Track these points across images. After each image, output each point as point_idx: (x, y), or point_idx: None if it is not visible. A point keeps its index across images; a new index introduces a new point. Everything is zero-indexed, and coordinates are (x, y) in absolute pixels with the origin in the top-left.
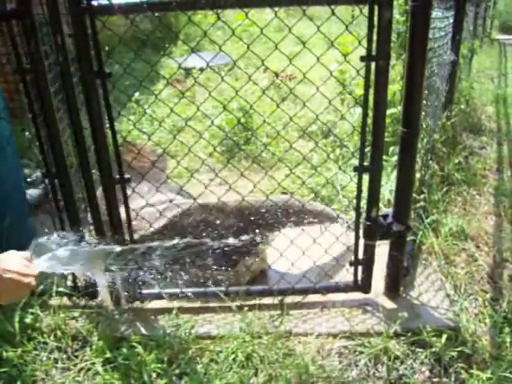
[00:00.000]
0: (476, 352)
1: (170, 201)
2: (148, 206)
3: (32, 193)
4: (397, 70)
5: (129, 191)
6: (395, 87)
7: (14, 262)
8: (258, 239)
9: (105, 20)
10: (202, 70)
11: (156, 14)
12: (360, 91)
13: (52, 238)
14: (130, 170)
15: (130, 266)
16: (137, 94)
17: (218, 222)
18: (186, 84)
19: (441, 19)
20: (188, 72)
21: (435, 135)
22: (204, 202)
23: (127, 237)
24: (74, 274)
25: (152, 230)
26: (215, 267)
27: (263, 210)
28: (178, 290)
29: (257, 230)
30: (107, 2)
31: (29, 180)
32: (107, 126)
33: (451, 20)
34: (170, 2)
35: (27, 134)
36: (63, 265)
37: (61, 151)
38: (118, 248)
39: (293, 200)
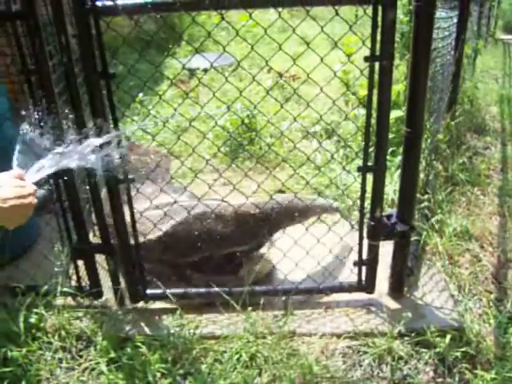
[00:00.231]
0: (480, 352)
1: (175, 201)
2: (152, 208)
3: (37, 193)
4: (400, 70)
5: (133, 192)
6: (399, 87)
7: (9, 187)
8: (261, 242)
9: (109, 21)
10: (205, 70)
11: (160, 15)
12: (363, 92)
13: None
14: (134, 171)
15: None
16: (140, 94)
17: (219, 229)
18: (189, 85)
19: (445, 19)
20: (192, 72)
21: (439, 135)
22: (203, 211)
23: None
24: (78, 274)
25: (159, 233)
26: (218, 274)
27: (264, 212)
28: (181, 291)
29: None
30: (111, 3)
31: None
32: (111, 126)
33: (455, 20)
34: (174, 3)
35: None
36: (53, 165)
37: None
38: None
39: (293, 198)
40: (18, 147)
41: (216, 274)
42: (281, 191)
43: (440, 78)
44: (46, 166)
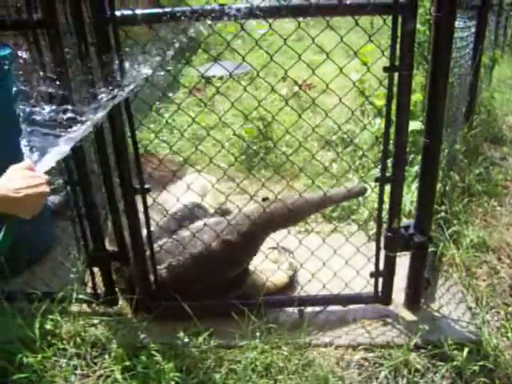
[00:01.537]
0: (498, 367)
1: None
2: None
3: (53, 199)
4: (417, 79)
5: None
6: (416, 97)
7: (21, 178)
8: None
9: (128, 30)
10: (221, 78)
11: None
12: (380, 102)
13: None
14: (150, 180)
15: None
16: (157, 102)
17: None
18: (205, 93)
19: (463, 29)
20: (208, 81)
21: (456, 146)
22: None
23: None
24: (93, 281)
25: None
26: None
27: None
28: (197, 303)
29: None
30: (130, 12)
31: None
32: (128, 134)
33: (473, 30)
34: (194, 12)
35: None
36: (62, 153)
37: (83, 158)
38: None
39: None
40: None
41: (218, 294)
42: (264, 199)
43: (457, 88)
44: (55, 153)
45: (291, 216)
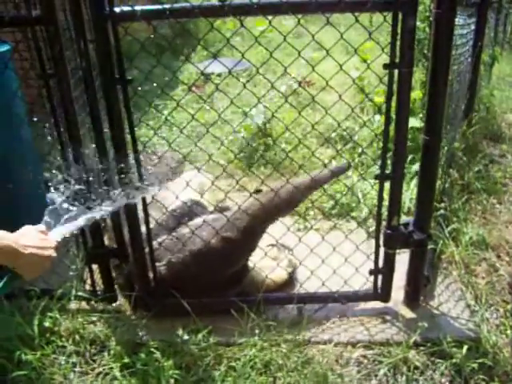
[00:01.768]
0: (497, 364)
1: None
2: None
3: (52, 197)
4: (416, 76)
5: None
6: (415, 94)
7: (32, 237)
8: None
9: (127, 27)
10: (220, 75)
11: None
12: (379, 99)
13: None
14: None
15: None
16: (155, 98)
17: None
18: (204, 89)
19: (462, 26)
20: (207, 77)
21: (455, 143)
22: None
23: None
24: (92, 278)
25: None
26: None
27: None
28: (196, 300)
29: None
30: (129, 9)
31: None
32: (127, 131)
33: (473, 27)
34: (193, 9)
35: (49, 138)
36: (76, 226)
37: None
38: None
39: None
40: (47, 213)
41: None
42: (258, 191)
43: (457, 86)
44: (70, 226)
45: (286, 204)
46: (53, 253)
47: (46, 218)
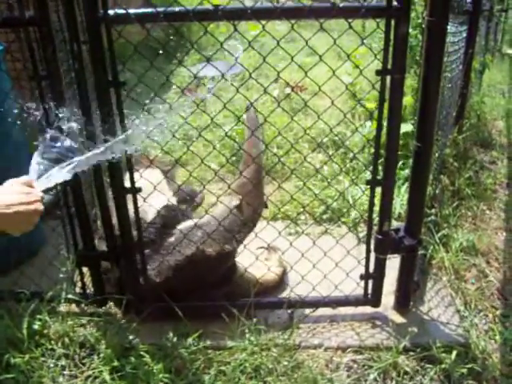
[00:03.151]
0: (486, 369)
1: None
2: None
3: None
4: (408, 82)
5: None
6: (406, 100)
7: (15, 193)
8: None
9: (120, 30)
10: (212, 78)
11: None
12: (370, 105)
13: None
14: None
15: None
16: (147, 101)
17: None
18: (196, 93)
19: (454, 34)
20: (199, 81)
21: (446, 149)
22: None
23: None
24: (82, 281)
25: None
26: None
27: None
28: (186, 304)
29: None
30: (123, 12)
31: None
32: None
33: (464, 34)
34: (187, 13)
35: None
36: (64, 174)
37: None
38: None
39: None
40: (35, 158)
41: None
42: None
43: (448, 92)
44: (57, 174)
45: (257, 200)
46: (39, 206)
47: (32, 165)
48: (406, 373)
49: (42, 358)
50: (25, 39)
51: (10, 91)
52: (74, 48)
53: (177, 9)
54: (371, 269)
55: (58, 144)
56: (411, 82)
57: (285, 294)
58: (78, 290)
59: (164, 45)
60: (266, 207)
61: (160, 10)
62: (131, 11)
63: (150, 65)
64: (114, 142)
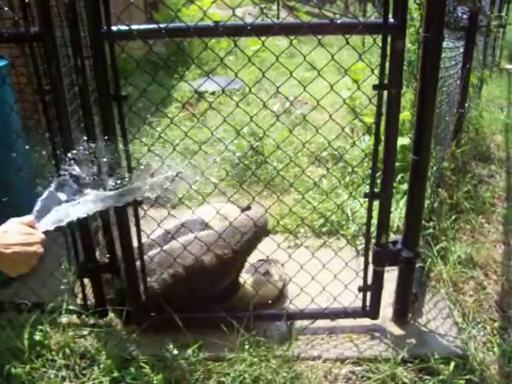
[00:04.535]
0: (484, 381)
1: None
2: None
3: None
4: (407, 97)
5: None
6: (404, 115)
7: (16, 233)
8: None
9: (123, 45)
10: (213, 93)
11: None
12: (369, 119)
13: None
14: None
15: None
16: (148, 116)
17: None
18: (197, 107)
19: (451, 49)
20: (200, 96)
21: (444, 163)
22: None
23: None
24: (84, 292)
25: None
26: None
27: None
28: (187, 315)
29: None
30: (126, 28)
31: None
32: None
33: (461, 50)
34: (188, 29)
35: (44, 152)
36: (68, 216)
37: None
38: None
39: None
40: (40, 201)
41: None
42: (247, 207)
43: (446, 107)
44: (60, 216)
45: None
46: (39, 248)
47: (36, 207)
48: None
49: (43, 369)
50: (29, 54)
51: (14, 105)
52: (77, 63)
53: (178, 25)
54: (369, 281)
55: (66, 188)
56: (410, 96)
57: (284, 306)
58: (78, 301)
59: (165, 60)
60: (267, 235)
61: (162, 25)
62: (134, 27)
63: (151, 79)
64: (124, 191)
